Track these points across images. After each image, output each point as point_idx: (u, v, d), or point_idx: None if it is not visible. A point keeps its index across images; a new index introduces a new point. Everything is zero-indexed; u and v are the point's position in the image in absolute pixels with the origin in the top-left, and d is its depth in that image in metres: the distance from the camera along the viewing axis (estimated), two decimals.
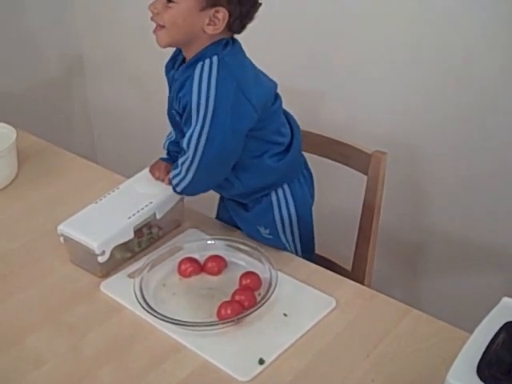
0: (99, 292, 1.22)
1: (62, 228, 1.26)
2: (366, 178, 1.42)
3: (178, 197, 1.36)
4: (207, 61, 1.19)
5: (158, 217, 1.32)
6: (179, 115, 1.26)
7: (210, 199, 1.46)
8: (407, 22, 1.61)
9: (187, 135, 1.21)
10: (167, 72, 1.33)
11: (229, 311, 1.12)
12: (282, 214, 1.33)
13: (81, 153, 1.76)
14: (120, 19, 2.31)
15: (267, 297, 1.14)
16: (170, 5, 1.17)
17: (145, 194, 1.33)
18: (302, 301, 1.18)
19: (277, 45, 1.82)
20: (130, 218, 1.27)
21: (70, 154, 1.72)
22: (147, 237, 1.33)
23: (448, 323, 1.12)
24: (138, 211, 1.28)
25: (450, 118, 1.62)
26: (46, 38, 2.38)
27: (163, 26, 1.19)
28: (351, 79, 1.76)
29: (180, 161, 1.25)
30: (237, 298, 1.15)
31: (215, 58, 1.19)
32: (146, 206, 1.30)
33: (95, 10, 2.38)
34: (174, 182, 1.27)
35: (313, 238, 1.42)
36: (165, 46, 1.24)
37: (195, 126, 1.19)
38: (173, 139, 1.41)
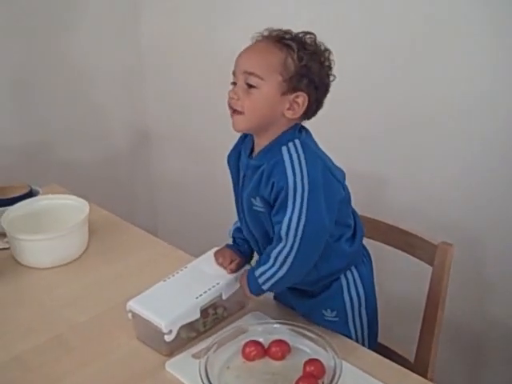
0: (164, 371, 1.23)
1: (132, 304, 1.29)
2: (431, 268, 1.42)
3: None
4: (291, 144, 1.21)
5: (224, 297, 1.34)
6: (265, 203, 1.24)
7: None
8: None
9: (285, 221, 1.19)
10: (232, 162, 1.35)
11: None
12: (352, 295, 1.33)
13: (142, 225, 1.81)
14: (187, 94, 2.39)
15: None
16: (252, 90, 1.20)
17: (212, 275, 1.36)
18: None
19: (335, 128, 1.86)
20: (197, 298, 1.29)
21: (136, 229, 1.77)
22: (212, 317, 1.35)
23: None
24: (205, 291, 1.31)
25: None
26: (114, 111, 2.49)
27: (242, 112, 1.22)
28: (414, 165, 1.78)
29: (274, 253, 1.22)
30: None
31: (297, 141, 1.22)
32: (213, 286, 1.32)
33: (163, 85, 2.48)
34: (263, 278, 1.25)
35: (377, 322, 1.42)
36: (241, 131, 1.28)
37: (293, 209, 1.18)
38: (238, 225, 1.42)
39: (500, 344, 1.76)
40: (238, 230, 1.44)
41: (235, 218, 1.73)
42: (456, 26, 1.61)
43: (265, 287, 1.27)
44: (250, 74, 1.20)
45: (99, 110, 2.44)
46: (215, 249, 1.44)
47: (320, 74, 1.22)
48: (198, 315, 1.29)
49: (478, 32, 1.58)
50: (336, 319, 1.34)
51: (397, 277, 1.70)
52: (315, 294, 1.35)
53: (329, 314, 1.34)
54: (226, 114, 2.23)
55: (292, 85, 1.20)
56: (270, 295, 1.48)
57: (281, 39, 1.21)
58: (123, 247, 1.68)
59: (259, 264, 1.28)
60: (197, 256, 1.45)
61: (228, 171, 1.37)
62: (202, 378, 1.15)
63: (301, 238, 1.19)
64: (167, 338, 1.24)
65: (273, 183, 1.21)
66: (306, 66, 1.20)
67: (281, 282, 1.25)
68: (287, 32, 1.23)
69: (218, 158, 2.39)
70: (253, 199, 1.27)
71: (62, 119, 2.33)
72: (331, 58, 1.24)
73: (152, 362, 1.26)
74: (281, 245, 1.22)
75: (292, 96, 1.21)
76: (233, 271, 1.36)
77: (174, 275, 1.37)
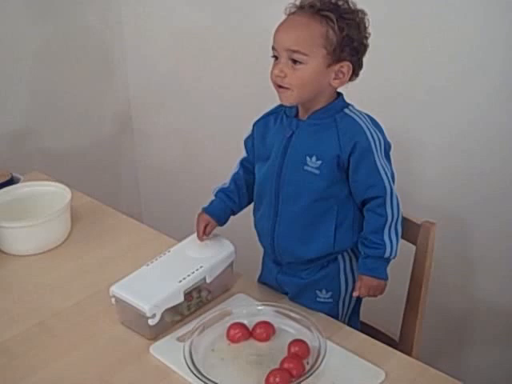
0: (149, 355, 1.23)
1: (115, 290, 1.29)
2: (414, 247, 1.43)
3: (229, 261, 1.38)
4: (351, 107, 1.28)
5: (208, 281, 1.33)
6: (325, 161, 1.25)
7: (254, 262, 1.48)
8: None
9: (385, 180, 1.25)
10: (260, 130, 1.36)
11: (278, 379, 1.12)
12: (347, 277, 1.35)
13: (126, 211, 1.80)
14: (170, 79, 2.38)
15: (316, 366, 1.13)
16: (298, 66, 1.21)
17: (195, 258, 1.36)
18: (350, 372, 1.17)
19: None
20: (180, 281, 1.29)
21: (120, 215, 1.76)
22: (196, 300, 1.34)
23: None
24: (189, 275, 1.31)
25: (499, 188, 1.63)
26: (96, 97, 2.47)
27: (289, 88, 1.23)
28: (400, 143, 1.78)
29: (386, 231, 1.26)
30: (285, 365, 1.15)
31: (352, 107, 1.28)
32: (197, 269, 1.32)
33: (146, 70, 2.46)
34: (387, 253, 1.27)
35: (361, 300, 1.43)
36: (292, 105, 1.28)
37: (383, 166, 1.24)
38: (225, 187, 1.43)
39: (484, 322, 1.78)
40: (222, 191, 1.43)
41: None
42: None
43: (392, 255, 1.29)
44: (294, 51, 1.20)
45: (81, 96, 2.41)
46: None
47: (360, 38, 1.23)
48: (181, 299, 1.29)
49: None
50: (329, 300, 1.35)
51: None
52: (312, 272, 1.35)
53: (323, 295, 1.35)
54: (211, 98, 2.26)
55: (336, 56, 1.21)
56: (254, 278, 1.48)
57: (318, 11, 1.21)
58: (107, 233, 1.67)
59: (376, 248, 1.27)
60: (181, 241, 1.45)
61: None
62: (186, 361, 1.15)
63: (396, 196, 1.27)
64: (151, 322, 1.24)
65: (355, 143, 1.23)
66: (347, 36, 1.21)
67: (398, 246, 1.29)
68: (322, 1, 1.22)
69: (202, 143, 2.42)
70: (308, 158, 1.27)
71: (44, 106, 2.30)
72: (366, 18, 1.25)
73: (136, 347, 1.26)
74: (387, 216, 1.26)
75: (337, 66, 1.22)
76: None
77: (156, 259, 1.37)
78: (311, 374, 1.12)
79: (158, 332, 1.27)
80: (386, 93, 1.75)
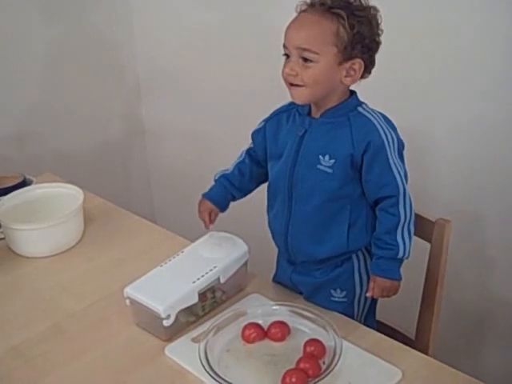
0: (164, 356, 1.23)
1: (129, 291, 1.28)
2: (429, 245, 1.41)
3: (242, 261, 1.37)
4: (364, 106, 1.27)
5: (221, 281, 1.33)
6: (338, 161, 1.24)
7: (268, 262, 1.47)
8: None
9: (398, 180, 1.24)
10: (272, 129, 1.35)
11: (294, 379, 1.11)
12: (362, 276, 1.34)
13: (139, 212, 1.79)
14: (181, 80, 2.38)
15: (332, 366, 1.12)
16: (309, 64, 1.20)
17: (209, 259, 1.35)
18: (367, 371, 1.16)
19: None
20: (194, 282, 1.28)
21: (133, 216, 1.75)
22: (211, 301, 1.34)
23: None
24: (203, 275, 1.30)
25: None
26: (107, 98, 2.47)
27: (302, 85, 1.22)
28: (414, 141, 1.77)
29: (399, 231, 1.25)
30: (301, 365, 1.14)
31: (365, 105, 1.28)
32: (211, 270, 1.32)
33: (157, 71, 2.46)
34: (400, 254, 1.26)
35: (377, 300, 1.42)
36: (304, 103, 1.27)
37: (396, 166, 1.23)
38: (227, 172, 1.43)
39: (501, 319, 1.76)
40: (224, 176, 1.43)
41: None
42: None
43: (406, 255, 1.28)
44: (305, 49, 1.19)
45: (92, 97, 2.41)
46: (212, 233, 1.43)
47: (371, 35, 1.22)
48: (196, 299, 1.28)
49: None
50: (344, 300, 1.35)
51: None
52: (326, 272, 1.34)
53: (338, 294, 1.34)
54: (221, 99, 2.25)
55: (347, 53, 1.20)
56: (269, 277, 1.48)
57: (329, 8, 1.20)
58: (120, 234, 1.66)
59: (389, 249, 1.26)
60: (194, 241, 1.44)
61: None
62: (201, 362, 1.15)
63: (409, 196, 1.25)
64: (166, 323, 1.23)
65: (368, 142, 1.22)
66: (358, 33, 1.20)
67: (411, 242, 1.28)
68: None
69: (214, 143, 2.41)
70: (321, 156, 1.26)
71: (55, 107, 2.31)
72: (378, 14, 1.24)
73: (151, 348, 1.25)
74: (399, 216, 1.25)
75: (348, 64, 1.22)
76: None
77: (170, 260, 1.36)
78: (327, 374, 1.11)
79: (172, 333, 1.27)
80: (397, 91, 1.74)
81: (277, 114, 1.36)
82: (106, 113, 2.50)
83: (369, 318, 1.41)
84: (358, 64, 1.22)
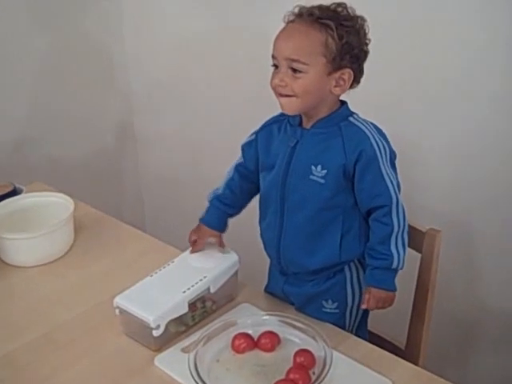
0: (153, 366, 1.22)
1: (119, 300, 1.28)
2: (419, 255, 1.42)
3: (232, 271, 1.37)
4: (356, 116, 1.27)
5: (212, 291, 1.33)
6: (331, 171, 1.24)
7: (260, 272, 1.47)
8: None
9: (391, 189, 1.23)
10: (263, 140, 1.35)
11: None
12: (354, 288, 1.34)
13: (129, 221, 1.79)
14: (172, 87, 2.38)
15: (322, 376, 1.12)
16: (298, 75, 1.20)
17: (199, 268, 1.35)
18: (357, 381, 1.17)
19: None
20: (184, 292, 1.28)
21: (123, 225, 1.75)
22: (201, 310, 1.34)
23: None
24: (193, 285, 1.30)
25: (504, 194, 1.62)
26: (98, 106, 2.47)
27: (292, 95, 1.22)
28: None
29: (392, 241, 1.25)
30: (291, 376, 1.14)
31: (356, 115, 1.27)
32: (201, 280, 1.31)
33: (148, 79, 2.47)
34: (395, 264, 1.26)
35: (368, 312, 1.42)
36: (294, 114, 1.28)
37: (388, 175, 1.23)
38: (219, 193, 1.42)
39: (492, 329, 1.76)
40: (217, 198, 1.42)
41: None
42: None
43: (400, 266, 1.27)
44: (294, 60, 1.20)
45: (82, 105, 2.41)
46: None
47: (360, 45, 1.23)
48: (186, 309, 1.28)
49: None
50: (336, 311, 1.34)
51: None
52: (318, 283, 1.34)
53: (329, 306, 1.34)
54: (213, 106, 2.25)
55: (336, 64, 1.21)
56: (260, 287, 1.47)
57: (317, 19, 1.20)
58: (110, 243, 1.66)
59: (383, 259, 1.26)
60: (184, 251, 1.44)
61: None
62: (191, 372, 1.14)
63: (402, 205, 1.25)
64: (155, 333, 1.23)
65: (360, 151, 1.22)
66: (346, 43, 1.20)
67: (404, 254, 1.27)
68: (321, 8, 1.22)
69: (205, 151, 2.41)
70: (313, 167, 1.26)
71: (45, 115, 2.30)
72: (366, 24, 1.24)
73: (141, 358, 1.25)
74: (393, 225, 1.25)
75: (338, 74, 1.22)
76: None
77: (160, 270, 1.36)
78: None
79: (162, 343, 1.26)
80: (386, 99, 1.74)
81: (268, 125, 1.36)
82: (97, 120, 2.49)
83: (361, 329, 1.40)
84: (347, 74, 1.22)
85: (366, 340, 1.32)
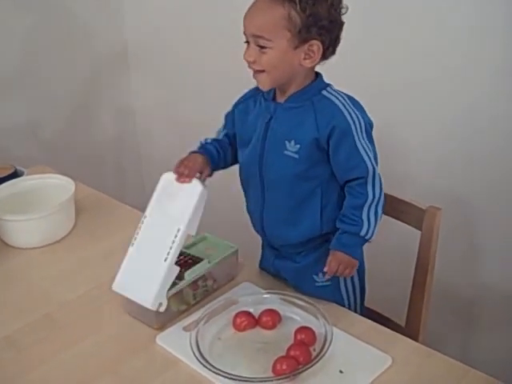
0: (155, 344, 1.23)
1: (115, 289, 1.27)
2: (419, 233, 1.42)
3: (203, 204, 1.28)
4: (329, 89, 1.25)
5: (192, 234, 1.27)
6: (304, 145, 1.24)
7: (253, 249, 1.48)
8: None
9: (367, 161, 1.22)
10: (240, 114, 1.35)
11: (284, 367, 1.11)
12: None
13: (131, 203, 1.79)
14: (173, 71, 2.37)
15: (322, 353, 1.13)
16: (264, 50, 1.20)
17: (171, 217, 1.27)
18: (357, 358, 1.17)
19: None
20: (165, 260, 1.23)
21: (124, 207, 1.76)
22: (202, 289, 1.34)
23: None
24: (171, 247, 1.24)
25: (504, 173, 1.62)
26: (99, 89, 2.47)
27: (263, 71, 1.22)
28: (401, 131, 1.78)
29: (365, 209, 1.24)
30: (292, 353, 1.15)
31: (333, 87, 1.26)
32: (175, 236, 1.25)
33: (148, 62, 2.46)
34: (367, 235, 1.25)
35: (364, 286, 1.42)
36: (268, 89, 1.27)
37: (364, 147, 1.22)
38: (211, 139, 1.39)
39: (491, 306, 1.77)
40: (213, 144, 1.39)
41: (223, 193, 1.71)
42: None
43: (368, 237, 1.26)
44: (258, 36, 1.19)
45: (84, 89, 2.41)
46: (166, 174, 1.36)
47: (329, 15, 1.20)
48: (176, 271, 1.25)
49: None
50: (328, 283, 1.34)
51: (386, 242, 1.70)
52: (305, 256, 1.35)
53: (320, 279, 1.34)
54: (213, 89, 2.24)
55: (302, 37, 1.19)
56: (257, 265, 1.48)
57: None
58: (111, 224, 1.67)
59: (353, 225, 1.25)
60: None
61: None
62: (193, 350, 1.15)
63: (378, 175, 1.24)
64: (161, 309, 1.23)
65: (333, 126, 1.21)
66: (311, 15, 1.17)
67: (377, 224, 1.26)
68: None
69: (206, 133, 2.39)
70: (287, 142, 1.26)
71: (46, 99, 2.30)
72: None
73: (143, 337, 1.26)
74: (367, 195, 1.24)
75: (306, 46, 1.20)
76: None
77: (138, 233, 1.31)
78: (318, 361, 1.11)
79: (164, 321, 1.27)
80: (382, 83, 1.74)
81: (244, 100, 1.36)
82: (99, 104, 2.50)
83: (361, 307, 1.41)
84: (315, 46, 1.20)
85: (366, 317, 1.33)
